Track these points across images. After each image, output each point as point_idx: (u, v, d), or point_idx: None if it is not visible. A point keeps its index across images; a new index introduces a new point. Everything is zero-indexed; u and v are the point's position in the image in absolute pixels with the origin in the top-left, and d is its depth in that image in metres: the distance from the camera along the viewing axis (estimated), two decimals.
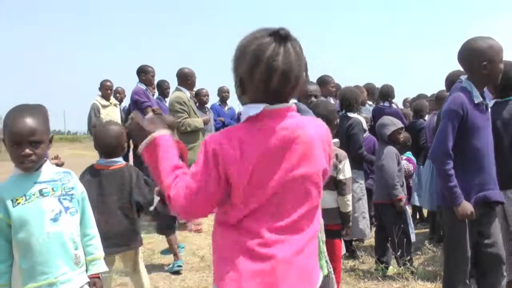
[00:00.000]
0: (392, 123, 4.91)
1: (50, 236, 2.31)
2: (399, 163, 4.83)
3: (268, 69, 1.60)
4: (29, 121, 2.26)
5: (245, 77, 1.67)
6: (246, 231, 1.68)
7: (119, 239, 3.41)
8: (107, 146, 3.52)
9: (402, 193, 4.68)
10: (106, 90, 8.31)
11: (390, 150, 4.81)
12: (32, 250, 2.28)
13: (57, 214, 2.35)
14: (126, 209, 3.47)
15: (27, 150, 2.25)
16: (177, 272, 4.91)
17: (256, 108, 1.66)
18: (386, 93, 7.19)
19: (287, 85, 1.64)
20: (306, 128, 1.71)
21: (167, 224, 5.00)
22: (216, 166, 1.66)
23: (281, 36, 1.62)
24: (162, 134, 1.80)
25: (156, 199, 4.96)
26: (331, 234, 3.52)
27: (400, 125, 4.97)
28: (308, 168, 1.70)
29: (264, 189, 1.65)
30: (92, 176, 3.46)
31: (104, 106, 8.21)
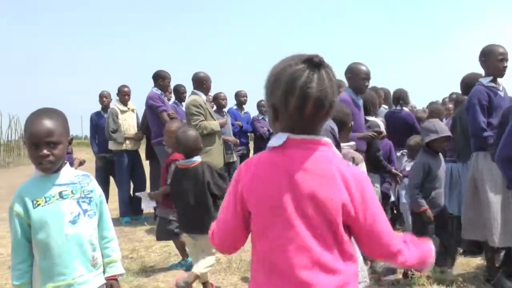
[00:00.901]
0: (435, 130, 4.60)
1: (69, 238, 2.35)
2: (429, 174, 4.54)
3: (302, 97, 1.58)
4: (47, 123, 2.31)
5: (278, 105, 1.65)
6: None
7: (196, 225, 4.16)
8: (187, 149, 4.35)
9: (422, 206, 4.45)
10: (123, 95, 8.36)
11: (417, 162, 4.76)
12: (50, 251, 2.32)
13: (76, 216, 2.39)
14: (202, 199, 4.21)
15: (45, 151, 2.30)
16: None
17: (280, 138, 1.66)
18: (398, 97, 7.18)
19: (321, 112, 1.62)
20: (327, 163, 1.65)
21: (167, 230, 5.05)
22: (235, 193, 1.69)
23: (314, 63, 1.59)
24: None
25: (151, 203, 4.97)
26: None
27: (445, 133, 4.63)
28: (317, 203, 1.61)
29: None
30: (177, 174, 4.40)
31: (122, 112, 8.28)
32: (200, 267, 4.11)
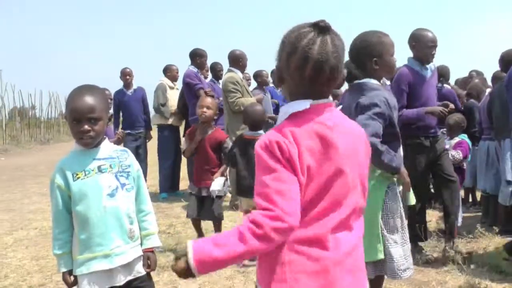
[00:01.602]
0: None
1: (107, 210, 2.41)
2: None
3: (302, 58, 1.60)
4: (88, 99, 2.37)
5: (282, 65, 1.68)
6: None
7: None
8: (255, 121, 4.88)
9: None
10: (176, 73, 8.59)
11: None
12: (89, 222, 2.39)
13: (114, 189, 2.45)
14: None
15: (86, 126, 2.36)
16: None
17: (302, 104, 1.65)
18: (439, 74, 6.98)
19: (321, 76, 1.61)
20: (347, 123, 1.74)
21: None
22: (286, 166, 1.58)
23: (320, 27, 1.61)
24: (192, 254, 1.55)
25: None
26: None
27: None
28: (353, 162, 1.67)
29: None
30: (242, 144, 4.81)
31: (170, 88, 8.44)
32: None
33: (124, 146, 8.38)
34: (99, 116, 2.40)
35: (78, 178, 2.40)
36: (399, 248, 3.01)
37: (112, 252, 2.42)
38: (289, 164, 1.56)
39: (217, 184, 4.77)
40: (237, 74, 7.10)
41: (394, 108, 3.04)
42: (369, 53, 3.06)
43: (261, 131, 4.95)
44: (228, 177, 7.53)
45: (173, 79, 8.61)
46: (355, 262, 1.69)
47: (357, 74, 3.16)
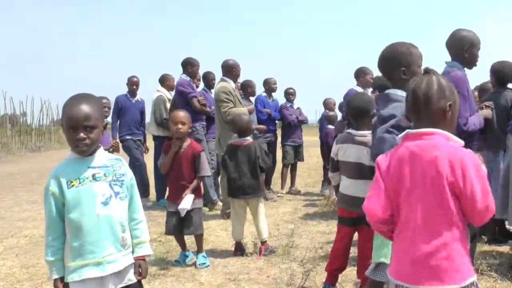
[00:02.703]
0: None
1: (100, 218, 2.44)
2: None
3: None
4: (84, 107, 2.41)
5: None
6: None
7: (248, 190, 5.33)
8: (242, 129, 5.47)
9: None
10: (171, 82, 8.61)
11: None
12: (82, 230, 2.42)
13: (108, 198, 2.48)
14: (254, 170, 5.34)
15: (82, 134, 2.39)
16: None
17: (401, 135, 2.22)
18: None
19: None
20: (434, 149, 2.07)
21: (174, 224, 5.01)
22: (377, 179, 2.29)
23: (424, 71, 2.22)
24: None
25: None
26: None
27: None
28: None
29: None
30: (231, 150, 5.47)
31: (169, 100, 8.45)
32: (262, 233, 5.32)
33: (130, 151, 8.43)
34: (95, 124, 2.43)
35: (73, 185, 2.43)
36: None
37: (104, 260, 2.44)
38: None
39: (186, 202, 4.79)
40: (230, 84, 7.16)
41: None
42: (398, 62, 3.13)
43: (248, 138, 5.52)
44: (219, 184, 7.58)
45: (171, 89, 8.63)
46: None
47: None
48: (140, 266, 2.60)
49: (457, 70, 3.92)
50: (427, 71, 2.21)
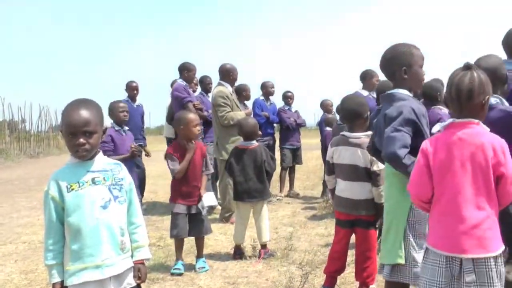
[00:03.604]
0: None
1: (99, 222, 2.46)
2: None
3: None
4: (84, 113, 2.43)
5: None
6: None
7: (254, 193, 5.34)
8: (248, 133, 5.46)
9: None
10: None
11: None
12: (82, 233, 2.43)
13: (107, 202, 2.50)
14: (260, 173, 5.35)
15: (81, 140, 2.42)
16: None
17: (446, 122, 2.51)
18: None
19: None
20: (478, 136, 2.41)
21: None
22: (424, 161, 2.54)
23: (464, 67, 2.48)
24: None
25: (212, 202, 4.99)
26: (366, 224, 3.57)
27: None
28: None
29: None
30: (237, 153, 5.43)
31: None
32: (264, 236, 5.33)
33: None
34: (94, 130, 2.46)
35: (72, 189, 2.45)
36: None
37: (103, 263, 2.45)
38: None
39: (210, 199, 4.83)
40: (227, 88, 7.18)
41: (424, 117, 3.10)
42: (399, 62, 3.17)
43: (254, 141, 5.47)
44: (218, 188, 7.58)
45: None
46: None
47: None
48: (139, 270, 2.62)
49: None
50: (469, 67, 2.48)
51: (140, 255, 2.65)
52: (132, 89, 8.68)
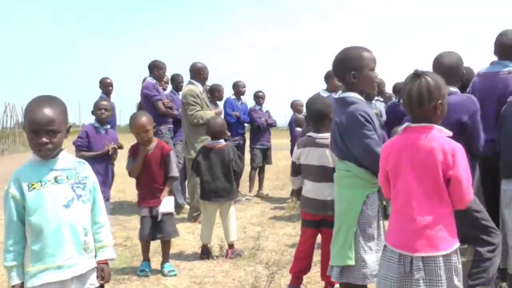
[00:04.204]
0: None
1: (62, 221, 2.41)
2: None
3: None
4: (47, 111, 2.38)
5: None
6: None
7: (221, 192, 5.32)
8: (216, 132, 5.44)
9: None
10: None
11: None
12: (43, 233, 2.39)
13: (70, 200, 2.46)
14: (228, 173, 5.33)
15: (44, 139, 2.37)
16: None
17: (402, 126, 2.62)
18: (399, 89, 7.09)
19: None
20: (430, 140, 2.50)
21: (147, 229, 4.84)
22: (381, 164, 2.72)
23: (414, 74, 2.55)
24: None
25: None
26: (332, 224, 3.55)
27: None
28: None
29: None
30: (204, 153, 5.42)
31: None
32: (231, 236, 5.32)
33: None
34: (58, 129, 2.41)
35: (34, 188, 2.40)
36: (373, 254, 3.13)
37: (64, 264, 2.41)
38: None
39: (167, 205, 4.72)
40: (197, 87, 7.16)
41: (373, 119, 3.14)
42: (348, 66, 3.19)
43: (221, 141, 5.47)
44: (186, 187, 7.54)
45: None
46: None
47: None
48: (102, 270, 2.58)
49: None
50: (418, 74, 2.55)
51: (104, 255, 2.61)
52: (107, 86, 8.60)
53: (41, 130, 2.36)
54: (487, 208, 3.57)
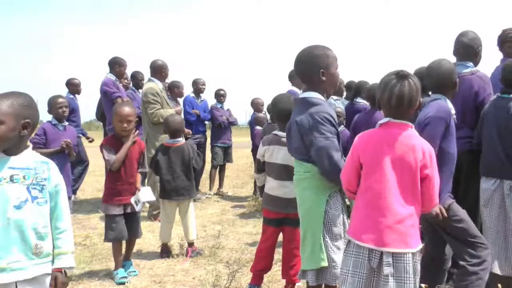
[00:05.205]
0: None
1: (10, 222, 2.32)
2: None
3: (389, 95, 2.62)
4: None
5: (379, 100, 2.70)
6: None
7: (181, 191, 5.32)
8: (175, 130, 5.39)
9: None
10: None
11: None
12: None
13: (22, 202, 2.36)
14: (188, 171, 5.35)
15: None
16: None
17: (384, 120, 2.65)
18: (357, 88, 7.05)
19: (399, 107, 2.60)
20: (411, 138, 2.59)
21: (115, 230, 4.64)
22: (353, 154, 2.70)
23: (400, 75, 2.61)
24: None
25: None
26: (294, 222, 3.57)
27: None
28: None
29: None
30: (163, 151, 5.37)
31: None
32: (191, 234, 5.35)
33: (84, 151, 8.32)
34: (2, 120, 2.30)
35: None
36: (341, 253, 3.09)
37: (8, 267, 2.31)
38: None
39: (147, 194, 4.66)
40: (157, 85, 7.11)
41: (343, 115, 3.18)
42: (317, 65, 3.13)
43: (180, 139, 5.45)
44: (146, 185, 7.48)
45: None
46: None
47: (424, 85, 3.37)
48: (56, 278, 2.47)
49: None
50: (404, 75, 2.61)
51: (60, 263, 2.50)
52: (75, 85, 8.63)
53: None
54: (461, 204, 3.52)
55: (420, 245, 2.59)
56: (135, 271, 4.74)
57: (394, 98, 2.59)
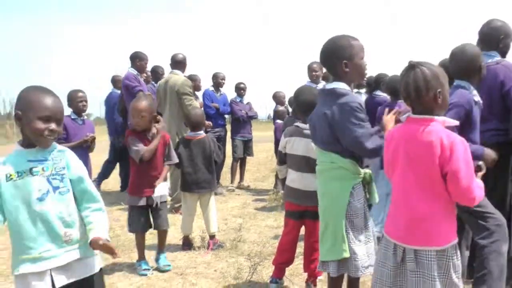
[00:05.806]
0: None
1: (36, 214, 2.36)
2: None
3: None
4: (57, 101, 2.49)
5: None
6: None
7: (202, 184, 5.34)
8: (196, 123, 5.44)
9: None
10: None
11: None
12: (18, 225, 2.35)
13: (44, 193, 2.39)
14: (209, 164, 5.37)
15: (54, 126, 2.42)
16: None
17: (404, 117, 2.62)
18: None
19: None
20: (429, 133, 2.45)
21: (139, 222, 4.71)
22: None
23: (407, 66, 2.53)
24: None
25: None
26: (315, 215, 3.55)
27: None
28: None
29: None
30: (185, 144, 5.38)
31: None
32: (212, 227, 5.39)
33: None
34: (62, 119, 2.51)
35: (11, 179, 2.35)
36: (363, 246, 3.12)
37: (40, 256, 2.37)
38: None
39: (163, 188, 4.70)
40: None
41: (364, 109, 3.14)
42: (340, 56, 3.10)
43: (201, 132, 5.49)
44: (169, 179, 7.52)
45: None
46: None
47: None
48: (98, 239, 2.46)
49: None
50: (411, 65, 2.52)
51: (94, 233, 2.50)
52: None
53: (53, 118, 2.39)
54: (490, 197, 3.47)
55: (452, 242, 2.47)
56: (169, 265, 4.71)
57: (402, 90, 2.57)
